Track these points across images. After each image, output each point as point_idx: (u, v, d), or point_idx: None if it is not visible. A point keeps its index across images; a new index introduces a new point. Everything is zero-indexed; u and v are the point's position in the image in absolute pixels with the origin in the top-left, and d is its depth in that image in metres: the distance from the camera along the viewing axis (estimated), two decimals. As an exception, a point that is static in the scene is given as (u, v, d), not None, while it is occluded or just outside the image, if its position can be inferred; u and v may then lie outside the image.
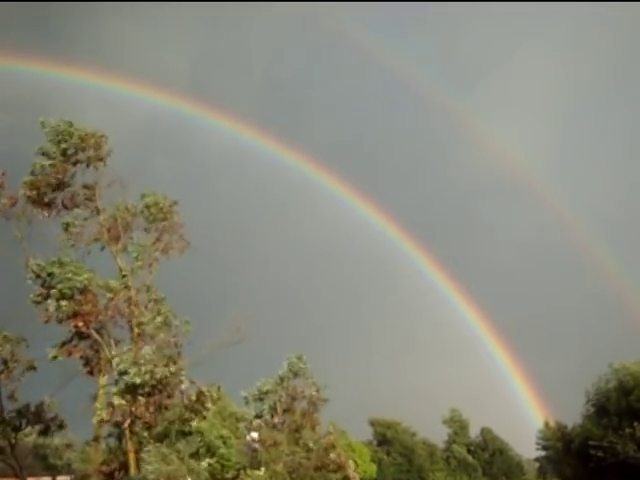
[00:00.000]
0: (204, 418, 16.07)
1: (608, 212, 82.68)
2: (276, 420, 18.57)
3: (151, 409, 15.13)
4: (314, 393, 18.53)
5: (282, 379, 18.46)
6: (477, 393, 79.12)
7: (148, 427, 15.68)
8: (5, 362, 16.09)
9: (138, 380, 14.78)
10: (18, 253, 16.36)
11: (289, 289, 78.40)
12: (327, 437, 18.90)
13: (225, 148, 76.62)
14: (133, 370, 14.89)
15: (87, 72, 50.29)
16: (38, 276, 15.84)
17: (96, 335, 16.33)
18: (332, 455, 19.08)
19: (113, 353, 16.00)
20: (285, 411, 18.88)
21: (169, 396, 15.37)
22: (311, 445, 18.73)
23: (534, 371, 59.93)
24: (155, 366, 15.03)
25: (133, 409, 14.89)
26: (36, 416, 16.73)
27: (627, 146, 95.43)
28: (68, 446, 17.16)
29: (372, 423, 74.47)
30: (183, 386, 15.61)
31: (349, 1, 77.95)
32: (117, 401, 14.88)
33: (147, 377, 14.87)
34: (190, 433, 16.02)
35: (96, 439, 17.03)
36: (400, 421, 74.69)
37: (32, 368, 16.32)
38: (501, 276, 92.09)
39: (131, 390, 14.95)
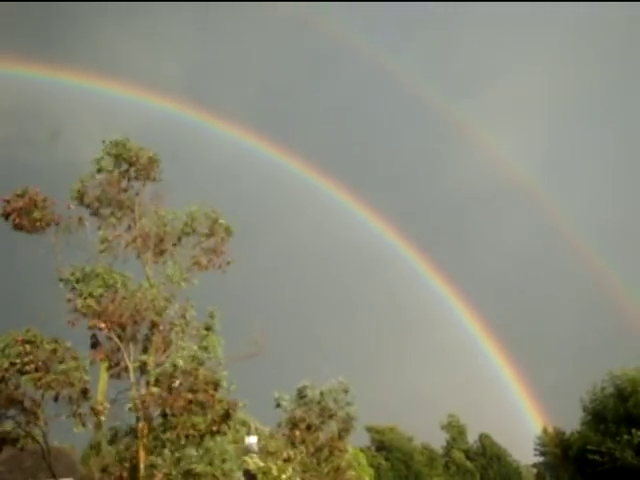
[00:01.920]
0: (228, 429, 16.08)
1: (604, 219, 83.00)
2: (297, 434, 18.39)
3: (183, 404, 15.16)
4: (346, 416, 18.40)
5: (320, 399, 18.33)
6: (475, 399, 79.27)
7: (172, 429, 15.70)
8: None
9: (180, 362, 14.89)
10: (51, 259, 16.57)
11: (285, 294, 78.52)
12: (343, 458, 18.81)
13: (221, 154, 76.86)
14: (172, 365, 15.04)
15: (84, 78, 50.42)
16: (69, 281, 16.15)
17: (117, 339, 16.42)
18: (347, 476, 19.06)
19: (134, 359, 16.05)
20: (308, 428, 18.73)
21: (207, 397, 15.40)
22: (326, 470, 18.66)
23: (532, 377, 60.08)
24: (197, 366, 15.15)
25: (166, 399, 14.94)
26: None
27: (621, 155, 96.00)
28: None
29: (369, 429, 74.46)
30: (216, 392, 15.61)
31: (346, 1, 78.23)
32: (152, 389, 14.97)
33: (190, 377, 15.01)
34: (194, 437, 15.99)
35: (98, 442, 17.02)
36: (397, 426, 74.77)
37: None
38: (498, 282, 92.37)
39: (165, 386, 15.06)
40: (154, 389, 15.09)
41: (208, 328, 16.72)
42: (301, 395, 18.66)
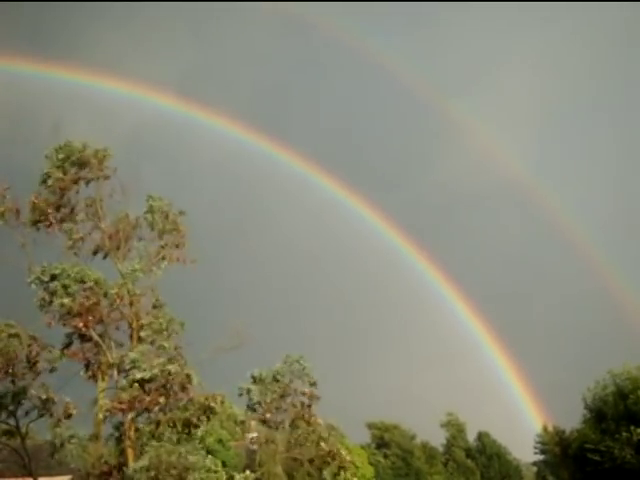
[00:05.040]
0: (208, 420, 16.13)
1: (604, 217, 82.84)
2: (268, 416, 18.58)
3: (159, 403, 15.18)
4: (306, 390, 18.52)
5: (276, 377, 18.43)
6: (475, 397, 79.38)
7: (154, 425, 15.71)
8: (29, 361, 16.32)
9: (148, 374, 14.85)
10: (23, 258, 16.61)
11: (281, 292, 78.51)
12: (317, 430, 18.96)
13: (215, 152, 76.85)
14: (143, 365, 14.98)
15: (81, 77, 50.49)
16: (41, 280, 16.07)
17: (97, 337, 16.41)
18: (323, 445, 19.13)
19: (114, 356, 16.03)
20: (277, 409, 18.90)
21: (179, 392, 15.43)
22: (303, 439, 18.75)
23: (532, 375, 60.13)
24: (168, 361, 15.13)
25: (140, 400, 14.93)
26: (44, 407, 16.92)
27: (620, 152, 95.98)
28: (71, 437, 17.17)
29: (369, 426, 74.65)
30: (191, 386, 15.62)
31: (339, 1, 78.20)
32: (124, 393, 14.96)
33: (156, 371, 14.93)
34: (188, 433, 16.01)
35: (96, 435, 17.09)
36: (398, 424, 75.00)
37: (53, 370, 16.54)
38: (498, 280, 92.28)
39: (140, 384, 15.03)
40: (124, 395, 15.05)
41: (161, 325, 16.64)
42: (257, 379, 18.68)
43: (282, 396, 18.42)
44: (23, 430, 17.13)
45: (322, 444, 18.26)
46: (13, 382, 16.58)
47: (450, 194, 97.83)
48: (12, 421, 17.06)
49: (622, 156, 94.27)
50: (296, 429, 18.23)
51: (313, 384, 18.23)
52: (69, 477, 28.58)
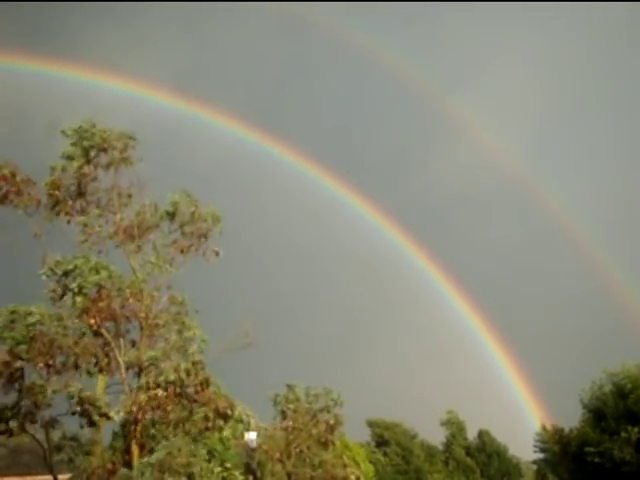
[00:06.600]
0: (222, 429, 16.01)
1: (604, 217, 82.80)
2: (288, 425, 18.65)
3: (175, 406, 15.05)
4: (332, 422, 18.70)
5: (309, 394, 18.55)
6: (475, 395, 79.40)
7: (165, 424, 15.57)
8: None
9: (172, 377, 14.67)
10: (36, 250, 16.45)
11: (280, 291, 78.43)
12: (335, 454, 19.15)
13: (213, 150, 76.72)
14: (164, 364, 14.82)
15: (79, 75, 50.33)
16: (54, 272, 15.75)
17: (107, 335, 16.21)
18: (339, 471, 19.29)
19: (126, 354, 15.88)
20: (298, 429, 18.98)
21: (196, 399, 15.28)
22: (317, 465, 18.87)
23: (532, 373, 60.11)
24: (192, 365, 14.97)
25: (159, 402, 14.78)
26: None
27: (621, 153, 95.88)
28: (75, 438, 16.95)
29: (370, 424, 74.56)
30: (208, 390, 15.47)
31: (335, 1, 78.20)
32: (142, 395, 14.81)
33: (183, 375, 14.80)
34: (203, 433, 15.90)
35: (97, 433, 16.99)
36: (400, 422, 75.00)
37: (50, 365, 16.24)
38: (497, 278, 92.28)
39: (158, 385, 14.85)
40: (142, 397, 14.90)
41: (184, 323, 16.41)
42: (290, 390, 18.81)
43: (312, 417, 18.53)
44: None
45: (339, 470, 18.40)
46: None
47: (450, 193, 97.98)
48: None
49: (622, 155, 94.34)
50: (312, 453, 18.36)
51: (338, 421, 18.36)
52: (69, 475, 28.59)
